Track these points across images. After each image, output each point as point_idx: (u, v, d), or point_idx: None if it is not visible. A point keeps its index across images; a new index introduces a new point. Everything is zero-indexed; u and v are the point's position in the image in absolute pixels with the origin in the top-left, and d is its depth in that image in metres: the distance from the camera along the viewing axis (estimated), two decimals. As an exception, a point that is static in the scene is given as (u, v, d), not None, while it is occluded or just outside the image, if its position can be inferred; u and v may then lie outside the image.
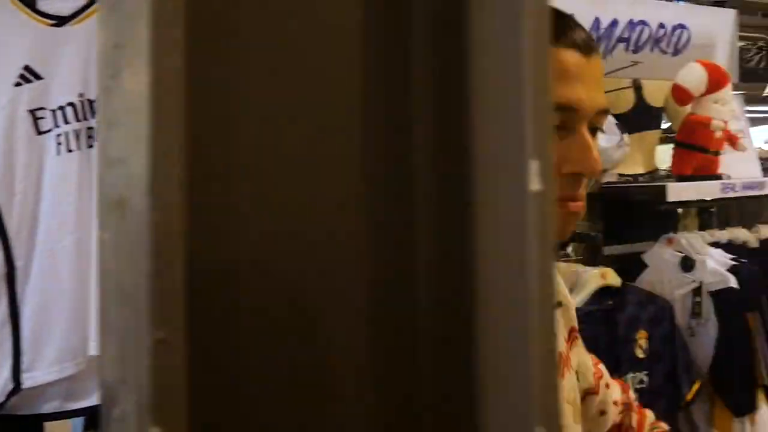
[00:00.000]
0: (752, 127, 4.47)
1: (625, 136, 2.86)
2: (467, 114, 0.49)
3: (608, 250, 2.82)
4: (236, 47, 0.47)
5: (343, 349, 0.51)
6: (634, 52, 3.03)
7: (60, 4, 1.91)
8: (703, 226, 3.07)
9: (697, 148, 2.85)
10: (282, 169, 0.49)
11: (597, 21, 2.89)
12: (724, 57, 3.24)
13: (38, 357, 1.77)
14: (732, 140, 2.87)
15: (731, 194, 2.85)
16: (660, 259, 2.78)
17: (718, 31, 3.27)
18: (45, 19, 1.88)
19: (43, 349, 1.77)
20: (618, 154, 2.84)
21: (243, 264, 0.48)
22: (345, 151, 0.51)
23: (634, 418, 1.31)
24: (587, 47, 0.99)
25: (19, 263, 1.79)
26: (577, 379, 1.19)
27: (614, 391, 1.29)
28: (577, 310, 1.28)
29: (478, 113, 0.49)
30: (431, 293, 0.51)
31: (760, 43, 3.82)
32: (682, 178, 2.85)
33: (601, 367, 1.30)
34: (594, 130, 1.01)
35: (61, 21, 1.90)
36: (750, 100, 3.51)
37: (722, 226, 3.08)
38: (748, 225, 3.10)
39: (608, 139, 2.78)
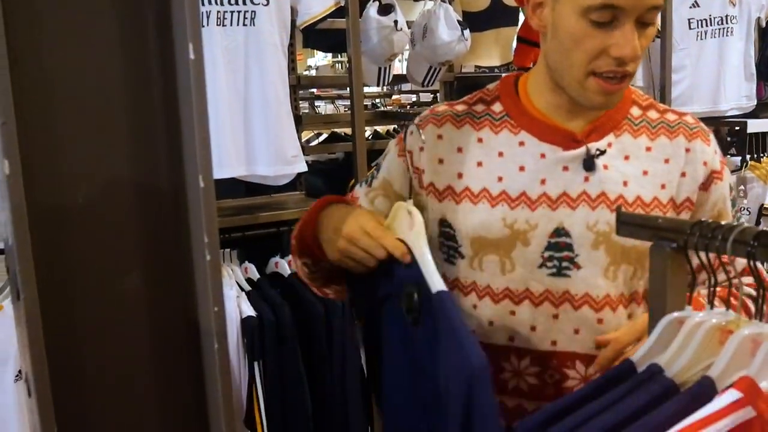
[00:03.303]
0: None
1: (466, 32, 3.00)
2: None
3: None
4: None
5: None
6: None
7: None
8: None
9: (535, 44, 2.86)
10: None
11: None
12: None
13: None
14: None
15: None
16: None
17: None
18: None
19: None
20: (459, 47, 3.02)
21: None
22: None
23: None
24: None
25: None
26: None
27: None
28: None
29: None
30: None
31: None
32: (523, 70, 2.94)
33: None
34: (644, 24, 1.18)
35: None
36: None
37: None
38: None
39: (450, 34, 2.97)
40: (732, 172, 3.70)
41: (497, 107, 1.37)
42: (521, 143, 1.32)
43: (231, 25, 2.43)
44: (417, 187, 1.37)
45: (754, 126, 3.57)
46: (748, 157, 3.70)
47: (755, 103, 3.67)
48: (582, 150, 1.29)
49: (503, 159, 1.32)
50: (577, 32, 1.20)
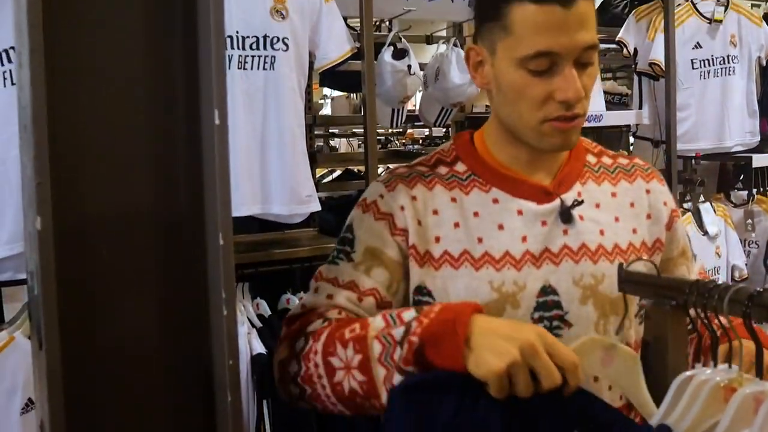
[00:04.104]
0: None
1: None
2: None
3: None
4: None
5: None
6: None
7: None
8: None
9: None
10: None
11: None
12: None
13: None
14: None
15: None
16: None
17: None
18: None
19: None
20: (471, 90, 3.03)
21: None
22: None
23: None
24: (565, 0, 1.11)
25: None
26: None
27: None
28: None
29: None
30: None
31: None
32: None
33: None
34: (583, 65, 1.16)
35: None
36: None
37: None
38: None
39: (462, 77, 2.97)
40: (739, 206, 3.70)
41: (460, 167, 1.29)
42: (495, 200, 1.25)
43: (251, 69, 2.44)
44: (405, 250, 1.24)
45: (759, 160, 3.56)
46: (754, 191, 3.68)
47: (759, 139, 3.68)
48: (557, 203, 1.25)
49: (480, 219, 1.24)
50: (518, 83, 1.17)
